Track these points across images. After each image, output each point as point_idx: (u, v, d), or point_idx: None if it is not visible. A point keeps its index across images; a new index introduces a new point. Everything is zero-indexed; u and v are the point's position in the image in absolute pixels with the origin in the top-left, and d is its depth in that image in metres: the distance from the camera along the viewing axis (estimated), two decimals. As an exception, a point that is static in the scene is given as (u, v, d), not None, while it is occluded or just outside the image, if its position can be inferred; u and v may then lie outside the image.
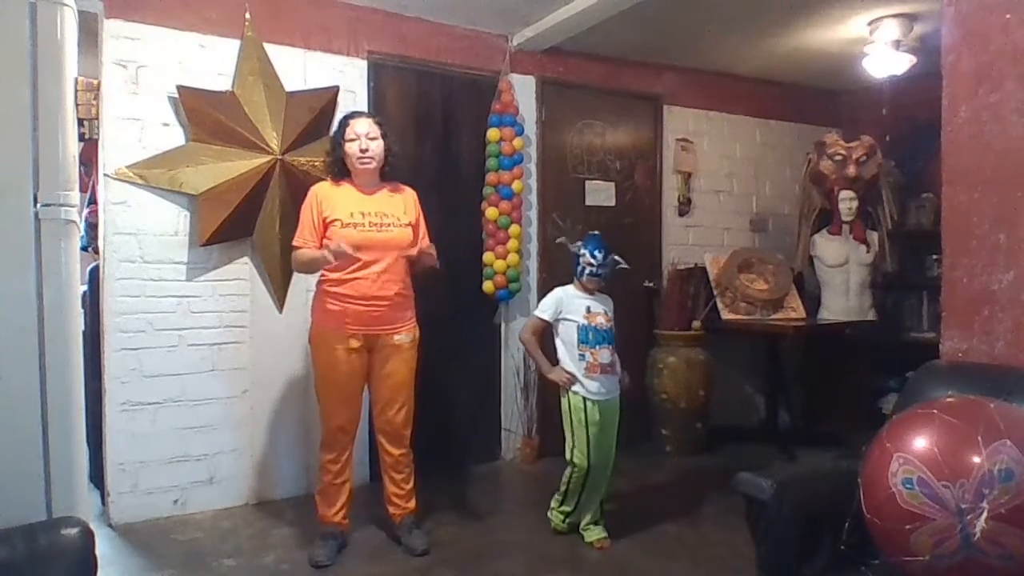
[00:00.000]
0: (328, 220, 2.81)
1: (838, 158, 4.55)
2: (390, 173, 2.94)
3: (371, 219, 2.81)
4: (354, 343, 2.80)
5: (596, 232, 3.11)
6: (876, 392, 4.55)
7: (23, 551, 1.47)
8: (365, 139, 2.82)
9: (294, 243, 2.86)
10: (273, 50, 3.48)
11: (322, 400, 2.90)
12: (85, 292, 3.32)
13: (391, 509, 3.01)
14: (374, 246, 2.78)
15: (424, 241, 2.91)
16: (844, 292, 4.62)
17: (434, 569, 2.80)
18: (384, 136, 2.88)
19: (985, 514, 1.47)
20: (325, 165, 3.01)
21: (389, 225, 2.83)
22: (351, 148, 2.83)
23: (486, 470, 4.08)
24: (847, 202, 4.58)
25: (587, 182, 4.48)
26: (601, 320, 3.02)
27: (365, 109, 3.67)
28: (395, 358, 2.87)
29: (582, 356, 2.99)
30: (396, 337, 2.86)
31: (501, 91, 4.07)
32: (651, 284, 4.62)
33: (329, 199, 2.84)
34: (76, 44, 1.78)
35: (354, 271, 2.78)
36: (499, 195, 4.00)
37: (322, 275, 2.87)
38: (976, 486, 1.49)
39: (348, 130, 2.85)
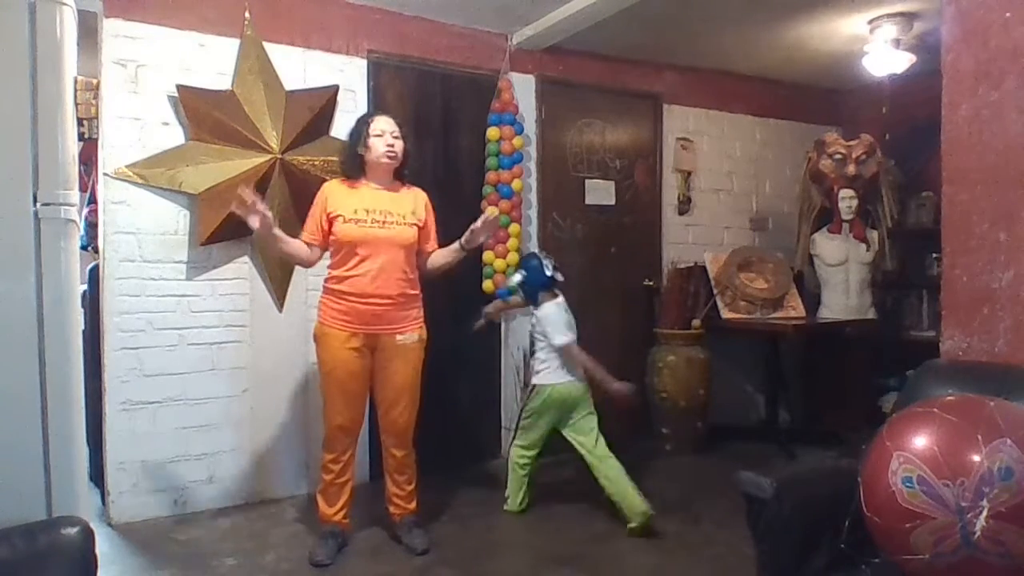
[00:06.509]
0: (332, 216, 2.81)
1: (838, 157, 4.55)
2: (406, 175, 2.95)
3: (375, 216, 2.81)
4: (355, 342, 2.80)
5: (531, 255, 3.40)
6: (876, 391, 4.55)
7: (23, 550, 1.47)
8: (391, 136, 2.84)
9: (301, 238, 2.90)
10: (273, 49, 3.48)
11: (325, 398, 2.90)
12: (85, 291, 3.32)
13: (392, 509, 3.01)
14: (374, 242, 2.79)
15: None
16: (844, 291, 4.62)
17: (434, 569, 2.80)
18: (404, 138, 2.89)
19: (985, 512, 1.47)
20: (340, 164, 3.01)
21: (393, 223, 2.83)
22: (377, 143, 2.83)
23: (486, 469, 4.07)
24: (847, 201, 4.58)
25: (587, 181, 4.48)
26: None
27: (365, 108, 3.67)
28: (398, 358, 2.87)
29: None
30: (399, 337, 2.85)
31: (501, 90, 4.07)
32: (651, 283, 4.62)
33: (336, 196, 2.85)
34: (75, 43, 1.78)
35: (353, 267, 2.78)
36: (499, 194, 4.00)
37: (327, 273, 2.88)
38: (976, 484, 1.49)
39: (373, 126, 2.85)
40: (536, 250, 3.35)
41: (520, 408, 3.35)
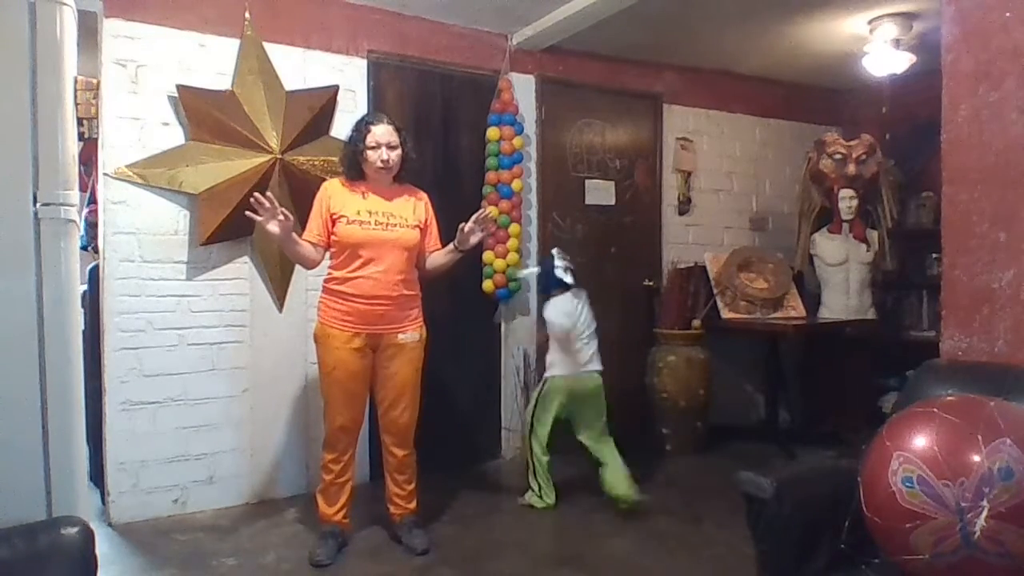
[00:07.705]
0: (335, 216, 2.81)
1: (838, 157, 4.55)
2: (405, 177, 2.95)
3: (378, 218, 2.81)
4: (358, 342, 2.80)
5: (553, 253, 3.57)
6: (876, 391, 4.55)
7: (23, 551, 1.47)
8: (386, 149, 2.81)
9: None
10: (273, 49, 3.48)
11: (325, 399, 2.89)
12: (85, 291, 3.32)
13: (392, 509, 3.01)
14: (378, 244, 2.79)
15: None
16: (844, 291, 4.62)
17: (434, 568, 2.80)
18: (403, 143, 2.88)
19: (985, 512, 1.47)
20: (340, 164, 3.00)
21: (396, 225, 2.83)
22: (372, 155, 2.81)
23: (486, 469, 4.08)
24: (847, 201, 4.59)
25: (587, 181, 4.48)
26: None
27: (365, 108, 3.67)
28: (399, 358, 2.87)
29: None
30: (400, 336, 2.86)
31: (501, 90, 4.07)
32: (651, 283, 4.62)
33: (339, 196, 2.85)
34: (75, 43, 1.78)
35: (357, 269, 2.78)
36: (499, 194, 4.00)
37: (327, 274, 2.88)
38: (976, 484, 1.49)
39: (369, 136, 2.82)
40: (556, 249, 3.59)
41: (533, 405, 3.48)
